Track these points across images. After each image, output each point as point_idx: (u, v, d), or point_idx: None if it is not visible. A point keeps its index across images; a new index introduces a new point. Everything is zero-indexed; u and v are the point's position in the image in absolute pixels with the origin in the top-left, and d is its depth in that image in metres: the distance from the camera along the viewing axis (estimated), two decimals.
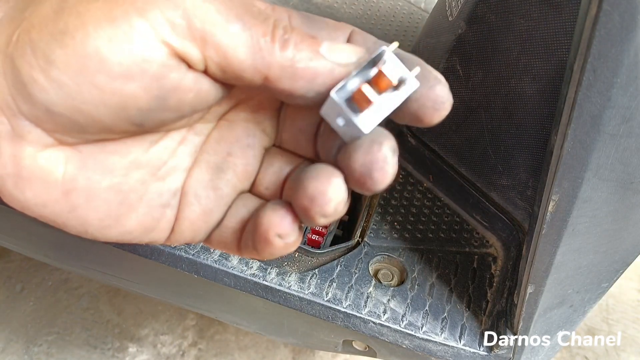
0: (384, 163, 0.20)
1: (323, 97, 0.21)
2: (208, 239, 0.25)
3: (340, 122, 0.21)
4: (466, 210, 0.48)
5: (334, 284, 0.43)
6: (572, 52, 0.26)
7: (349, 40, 0.23)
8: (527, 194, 0.42)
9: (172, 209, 0.24)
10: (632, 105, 0.26)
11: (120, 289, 0.92)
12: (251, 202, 0.24)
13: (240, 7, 0.19)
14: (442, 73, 0.22)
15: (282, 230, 0.21)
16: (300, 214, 0.21)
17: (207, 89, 0.21)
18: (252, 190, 0.25)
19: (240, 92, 0.24)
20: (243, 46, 0.19)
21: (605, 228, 0.33)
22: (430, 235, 0.48)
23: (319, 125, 0.24)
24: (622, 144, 0.27)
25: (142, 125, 0.21)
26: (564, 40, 0.35)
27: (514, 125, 0.41)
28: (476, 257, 0.46)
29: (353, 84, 0.21)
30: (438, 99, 0.21)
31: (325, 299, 0.42)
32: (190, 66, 0.20)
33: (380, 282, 0.44)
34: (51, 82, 0.19)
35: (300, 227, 0.22)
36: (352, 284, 0.43)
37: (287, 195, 0.24)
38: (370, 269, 0.45)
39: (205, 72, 0.20)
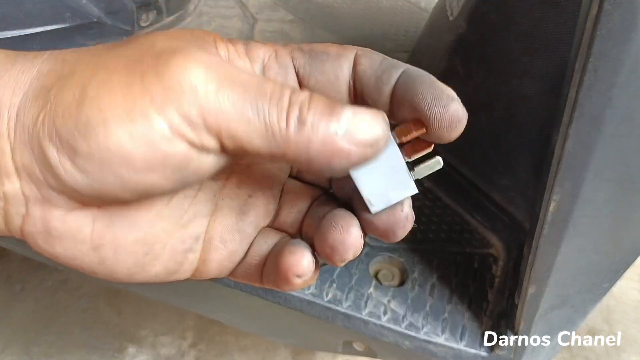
0: (405, 222, 0.22)
1: (343, 173, 0.21)
2: (232, 273, 0.26)
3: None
4: (467, 211, 0.48)
5: (334, 285, 0.43)
6: (573, 51, 0.26)
7: (354, 63, 0.23)
8: (528, 194, 0.42)
9: (195, 253, 0.25)
10: (633, 105, 0.26)
11: (120, 290, 0.92)
12: (271, 237, 0.26)
13: (254, 90, 0.19)
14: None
15: (300, 272, 0.23)
16: (321, 257, 0.23)
17: (226, 160, 0.21)
18: (272, 224, 0.26)
19: None
20: (258, 135, 0.19)
21: (606, 228, 0.33)
22: (431, 235, 0.48)
23: None
24: (623, 144, 0.27)
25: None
26: (565, 40, 0.35)
27: (515, 125, 0.41)
28: (477, 257, 0.46)
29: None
30: (454, 117, 0.21)
31: (325, 300, 0.42)
32: (209, 151, 0.20)
33: (381, 283, 0.44)
34: (77, 169, 0.19)
35: (317, 265, 0.24)
36: (352, 285, 0.43)
37: (307, 233, 0.25)
38: (370, 269, 0.45)
39: (223, 151, 0.20)
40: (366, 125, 0.20)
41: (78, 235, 0.22)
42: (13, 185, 0.20)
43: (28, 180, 0.20)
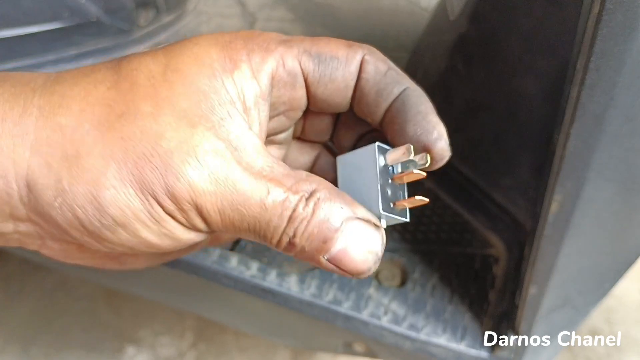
0: None
1: None
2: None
3: None
4: (468, 211, 0.48)
5: (335, 285, 0.42)
6: (575, 50, 0.26)
7: (360, 66, 0.23)
8: (529, 194, 0.42)
9: (205, 238, 0.27)
10: (636, 104, 0.25)
11: (118, 290, 0.92)
12: None
13: (254, 213, 0.20)
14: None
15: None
16: None
17: None
18: None
19: None
20: (252, 239, 0.21)
21: (608, 229, 0.33)
22: (432, 236, 0.47)
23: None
24: (626, 144, 0.27)
25: None
26: (567, 38, 0.35)
27: (516, 124, 0.41)
28: (478, 257, 0.46)
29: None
30: (437, 155, 0.23)
31: (326, 300, 0.41)
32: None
33: (381, 283, 0.44)
34: (104, 246, 0.21)
35: None
36: (352, 285, 0.43)
37: None
38: None
39: None
40: (354, 261, 0.21)
41: (97, 253, 0.24)
42: (27, 229, 0.21)
43: (44, 231, 0.21)
